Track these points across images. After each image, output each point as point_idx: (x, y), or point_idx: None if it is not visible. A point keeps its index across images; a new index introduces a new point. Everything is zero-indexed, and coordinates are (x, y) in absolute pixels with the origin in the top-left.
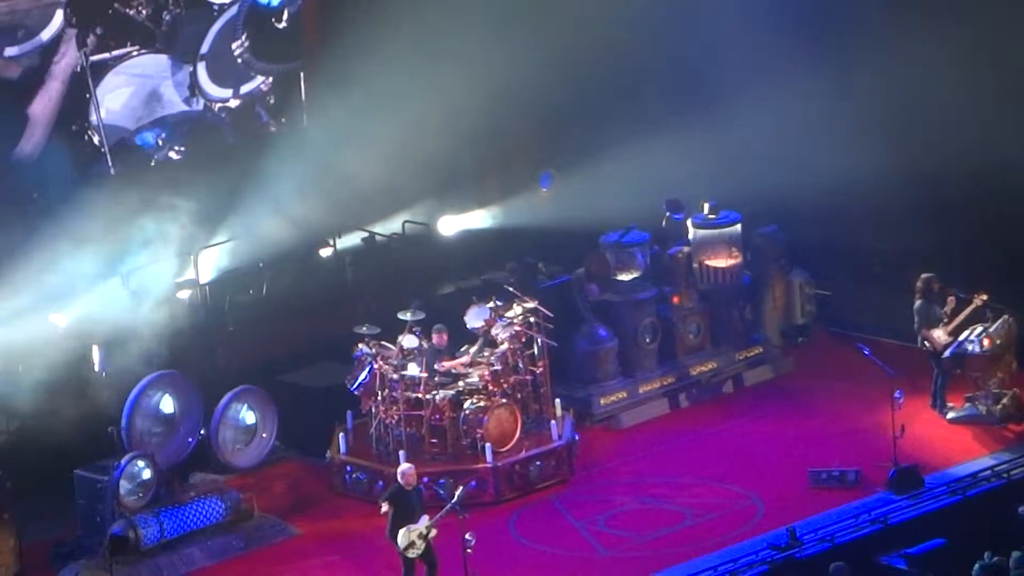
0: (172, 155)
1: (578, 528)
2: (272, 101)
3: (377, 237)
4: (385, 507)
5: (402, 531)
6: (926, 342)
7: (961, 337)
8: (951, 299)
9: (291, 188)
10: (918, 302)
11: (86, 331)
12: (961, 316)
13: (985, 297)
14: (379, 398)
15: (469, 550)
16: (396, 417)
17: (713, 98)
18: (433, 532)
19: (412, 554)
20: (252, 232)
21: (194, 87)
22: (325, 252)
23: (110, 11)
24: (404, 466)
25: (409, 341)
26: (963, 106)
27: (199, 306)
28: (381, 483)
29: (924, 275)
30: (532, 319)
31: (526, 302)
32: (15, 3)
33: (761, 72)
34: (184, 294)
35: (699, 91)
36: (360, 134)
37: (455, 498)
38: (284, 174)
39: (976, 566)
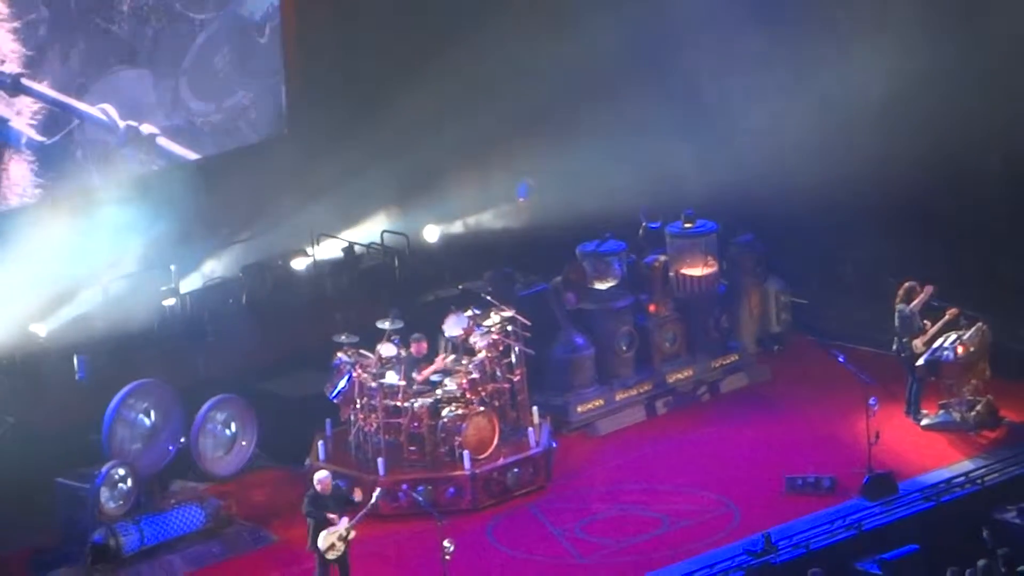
0: (154, 167)
1: (555, 535)
2: (254, 115)
3: (355, 247)
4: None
5: (323, 534)
6: (905, 348)
7: (935, 345)
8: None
9: (271, 198)
10: (900, 307)
11: (67, 340)
12: (935, 328)
13: (956, 311)
14: (358, 406)
15: (447, 557)
16: (375, 425)
17: (688, 97)
18: (352, 534)
19: (332, 556)
20: (230, 242)
21: (176, 101)
22: (302, 262)
23: (91, 26)
24: (320, 473)
25: (387, 350)
26: (936, 108)
27: (179, 315)
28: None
29: (906, 283)
30: (509, 327)
31: (503, 311)
32: None
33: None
34: (166, 303)
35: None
36: (341, 144)
37: (372, 499)
38: (265, 185)
39: None
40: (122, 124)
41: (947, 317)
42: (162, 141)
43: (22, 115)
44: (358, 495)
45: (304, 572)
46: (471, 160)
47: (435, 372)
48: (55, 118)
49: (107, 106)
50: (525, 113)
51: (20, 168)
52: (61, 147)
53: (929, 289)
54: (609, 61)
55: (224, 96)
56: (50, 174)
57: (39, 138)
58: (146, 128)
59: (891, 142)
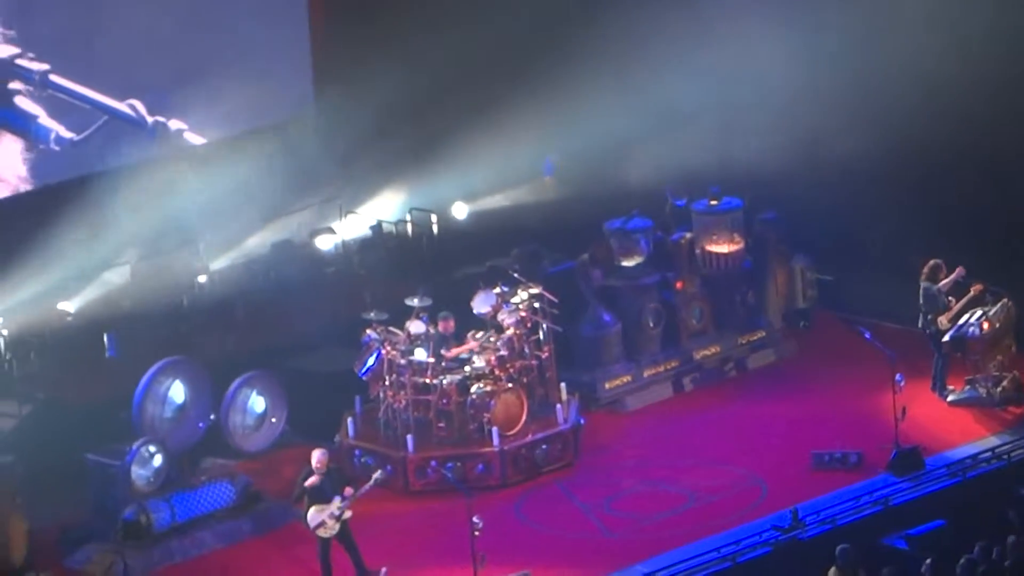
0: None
1: (584, 511)
2: (281, 93)
3: (383, 224)
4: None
5: (312, 510)
6: (931, 325)
7: (961, 321)
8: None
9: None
10: (924, 285)
11: (97, 317)
12: (961, 303)
13: (980, 287)
14: (387, 383)
15: (476, 533)
16: (404, 402)
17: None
18: (347, 514)
19: (324, 534)
20: (260, 221)
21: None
22: (330, 239)
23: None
24: (316, 451)
25: (416, 327)
26: (966, 84)
27: (209, 293)
28: (389, 467)
29: (932, 261)
30: (537, 305)
31: (531, 288)
32: None
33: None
34: (199, 279)
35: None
36: (369, 122)
37: (372, 480)
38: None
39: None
40: (150, 119)
41: (972, 293)
42: (190, 136)
43: (51, 111)
44: (348, 493)
45: (333, 548)
46: (498, 137)
47: (465, 352)
48: (84, 114)
49: (135, 102)
50: (552, 88)
51: (45, 156)
52: (90, 143)
53: (959, 271)
54: (635, 37)
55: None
56: (77, 167)
57: (68, 135)
58: (174, 124)
59: (918, 118)
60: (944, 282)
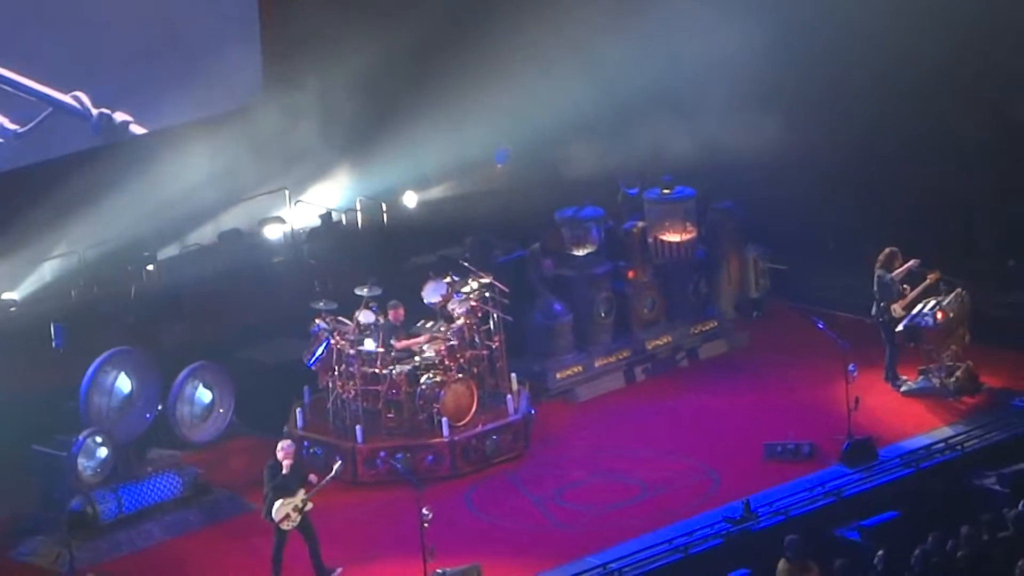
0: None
1: (534, 502)
2: (230, 82)
3: (333, 213)
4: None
5: (278, 503)
6: (884, 313)
7: (914, 311)
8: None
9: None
10: (879, 273)
11: (43, 308)
12: (915, 293)
13: (937, 275)
14: (336, 373)
15: (426, 524)
16: (353, 392)
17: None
18: (309, 505)
19: (287, 526)
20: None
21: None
22: (279, 228)
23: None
24: (282, 442)
25: (365, 316)
26: (921, 76)
27: (157, 283)
28: (338, 457)
29: (887, 249)
30: (488, 294)
31: (482, 277)
32: None
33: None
34: (147, 269)
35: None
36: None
37: (333, 471)
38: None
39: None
40: (95, 111)
41: (927, 281)
42: (135, 128)
43: None
44: (314, 480)
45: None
46: (449, 125)
47: (415, 345)
48: (28, 106)
49: (80, 93)
50: (504, 77)
51: None
52: (34, 134)
53: (913, 262)
54: (588, 25)
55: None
56: (21, 159)
57: (12, 126)
58: (119, 116)
59: (874, 108)
60: (897, 272)
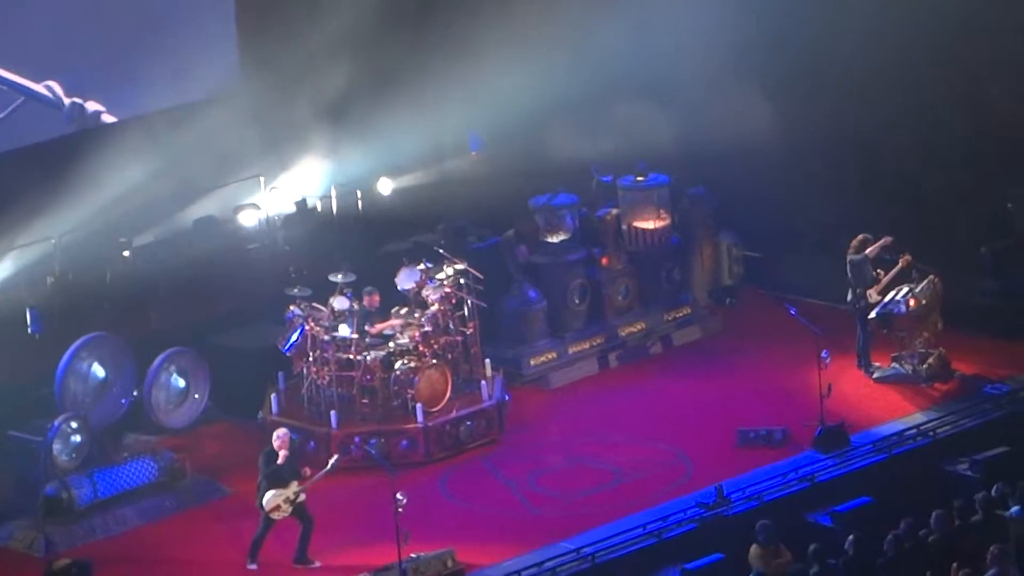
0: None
1: (508, 487)
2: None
3: (307, 200)
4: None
5: (271, 493)
6: (859, 299)
7: (887, 298)
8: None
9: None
10: (852, 258)
11: (19, 294)
12: (888, 277)
13: (909, 258)
14: (310, 359)
15: (400, 509)
16: (327, 378)
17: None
18: (301, 497)
19: (276, 516)
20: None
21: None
22: (253, 215)
23: None
24: (279, 430)
25: (340, 303)
26: (892, 69)
27: (132, 269)
28: (312, 443)
29: (860, 236)
30: (462, 280)
31: (456, 264)
32: None
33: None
34: (123, 255)
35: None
36: (291, 97)
37: (329, 465)
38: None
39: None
40: (67, 101)
41: (900, 265)
42: (107, 118)
43: None
44: (308, 473)
45: (258, 525)
46: (423, 112)
47: (388, 329)
48: (0, 96)
49: (52, 83)
50: (478, 63)
51: None
52: (6, 123)
53: (885, 239)
54: (562, 10)
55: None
56: None
57: None
58: (91, 105)
59: (849, 95)
60: (871, 249)
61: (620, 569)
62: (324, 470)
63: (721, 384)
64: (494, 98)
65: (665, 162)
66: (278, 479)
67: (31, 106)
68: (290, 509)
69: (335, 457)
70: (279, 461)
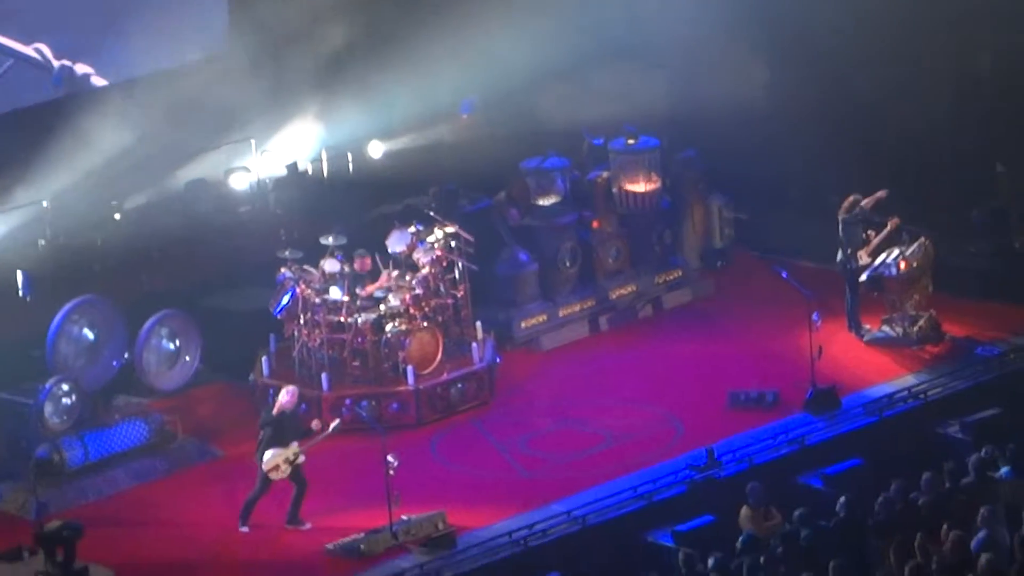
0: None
1: (499, 450)
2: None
3: (299, 163)
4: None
5: (270, 452)
6: (849, 261)
7: (877, 261)
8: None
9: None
10: (843, 217)
11: (10, 256)
12: (878, 239)
13: (898, 221)
14: (301, 321)
15: (391, 472)
16: (318, 340)
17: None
18: (301, 459)
19: (275, 476)
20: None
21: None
22: (245, 178)
23: None
24: (287, 387)
25: (331, 265)
26: (883, 31)
27: (123, 231)
28: (304, 406)
29: (851, 197)
30: (453, 243)
31: (447, 227)
32: None
33: None
34: (114, 218)
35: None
36: (282, 59)
37: (330, 428)
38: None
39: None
40: (56, 64)
41: (889, 227)
42: (96, 80)
43: None
44: (316, 425)
45: (249, 487)
46: (415, 75)
47: (379, 288)
48: None
49: (42, 45)
50: (469, 26)
51: None
52: None
53: (881, 193)
54: None
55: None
56: None
57: None
58: (80, 68)
59: (841, 56)
60: (866, 201)
61: (610, 531)
62: (326, 432)
63: (712, 347)
64: (486, 61)
65: (656, 125)
66: (280, 437)
67: (20, 69)
68: (288, 470)
69: (336, 421)
70: (281, 419)
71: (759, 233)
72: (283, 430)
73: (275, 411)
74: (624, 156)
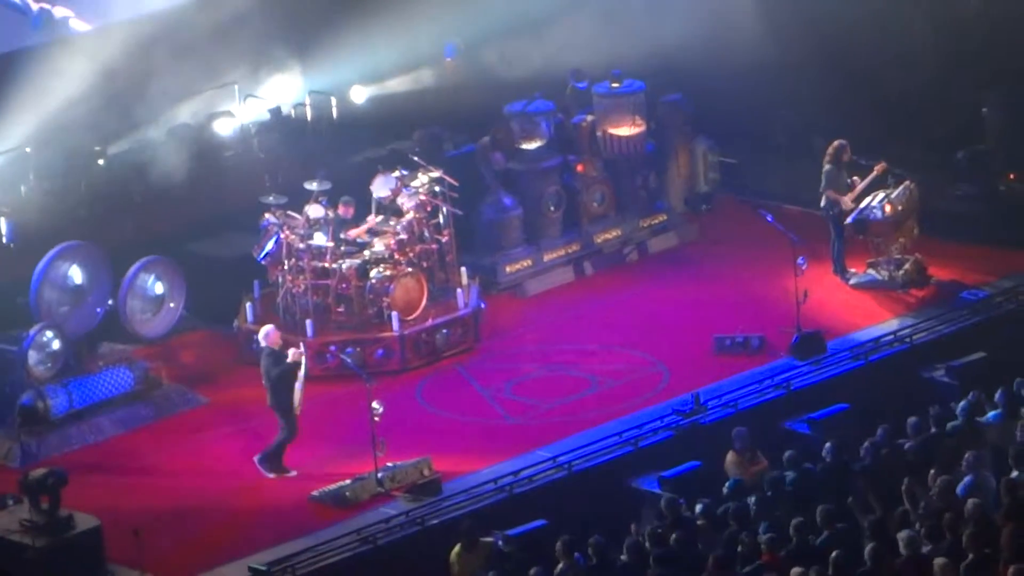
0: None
1: (484, 395)
2: None
3: (282, 108)
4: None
5: (297, 387)
6: (833, 206)
7: (863, 204)
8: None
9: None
10: (827, 167)
11: None
12: (864, 183)
13: (884, 165)
14: (286, 267)
15: (376, 418)
16: (303, 286)
17: None
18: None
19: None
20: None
21: None
22: (228, 123)
23: None
24: (266, 327)
25: (315, 211)
26: None
27: (107, 177)
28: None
29: (836, 142)
30: (437, 188)
31: (431, 171)
32: None
33: None
34: (98, 163)
35: None
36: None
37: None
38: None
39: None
40: (35, 6)
41: (876, 171)
42: (75, 23)
43: None
44: (294, 355)
45: (234, 433)
46: (399, 19)
47: (364, 232)
48: None
49: None
50: None
51: None
52: None
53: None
54: None
55: None
56: None
57: None
58: (59, 11)
59: (824, 2)
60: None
61: (596, 477)
62: (303, 359)
63: (697, 291)
64: (469, 3)
65: (640, 68)
66: (291, 375)
67: None
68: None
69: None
70: (289, 360)
71: (745, 176)
72: (292, 367)
73: (278, 350)
74: (608, 100)
